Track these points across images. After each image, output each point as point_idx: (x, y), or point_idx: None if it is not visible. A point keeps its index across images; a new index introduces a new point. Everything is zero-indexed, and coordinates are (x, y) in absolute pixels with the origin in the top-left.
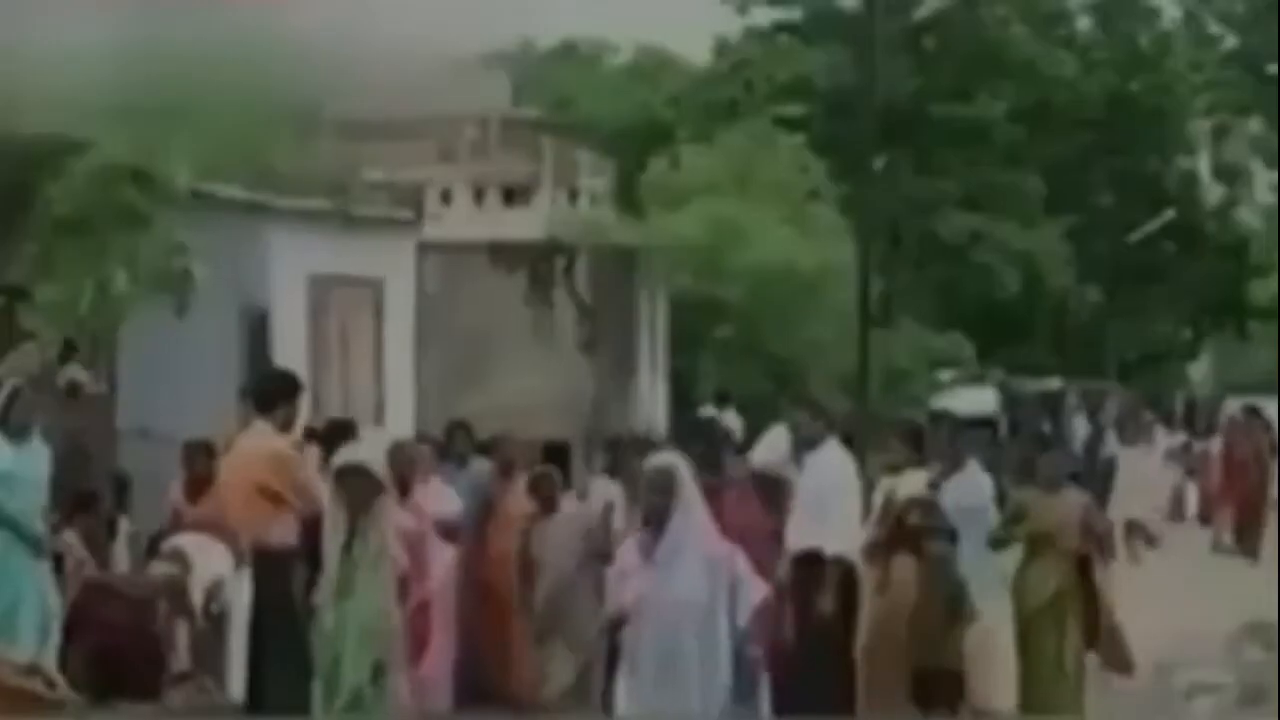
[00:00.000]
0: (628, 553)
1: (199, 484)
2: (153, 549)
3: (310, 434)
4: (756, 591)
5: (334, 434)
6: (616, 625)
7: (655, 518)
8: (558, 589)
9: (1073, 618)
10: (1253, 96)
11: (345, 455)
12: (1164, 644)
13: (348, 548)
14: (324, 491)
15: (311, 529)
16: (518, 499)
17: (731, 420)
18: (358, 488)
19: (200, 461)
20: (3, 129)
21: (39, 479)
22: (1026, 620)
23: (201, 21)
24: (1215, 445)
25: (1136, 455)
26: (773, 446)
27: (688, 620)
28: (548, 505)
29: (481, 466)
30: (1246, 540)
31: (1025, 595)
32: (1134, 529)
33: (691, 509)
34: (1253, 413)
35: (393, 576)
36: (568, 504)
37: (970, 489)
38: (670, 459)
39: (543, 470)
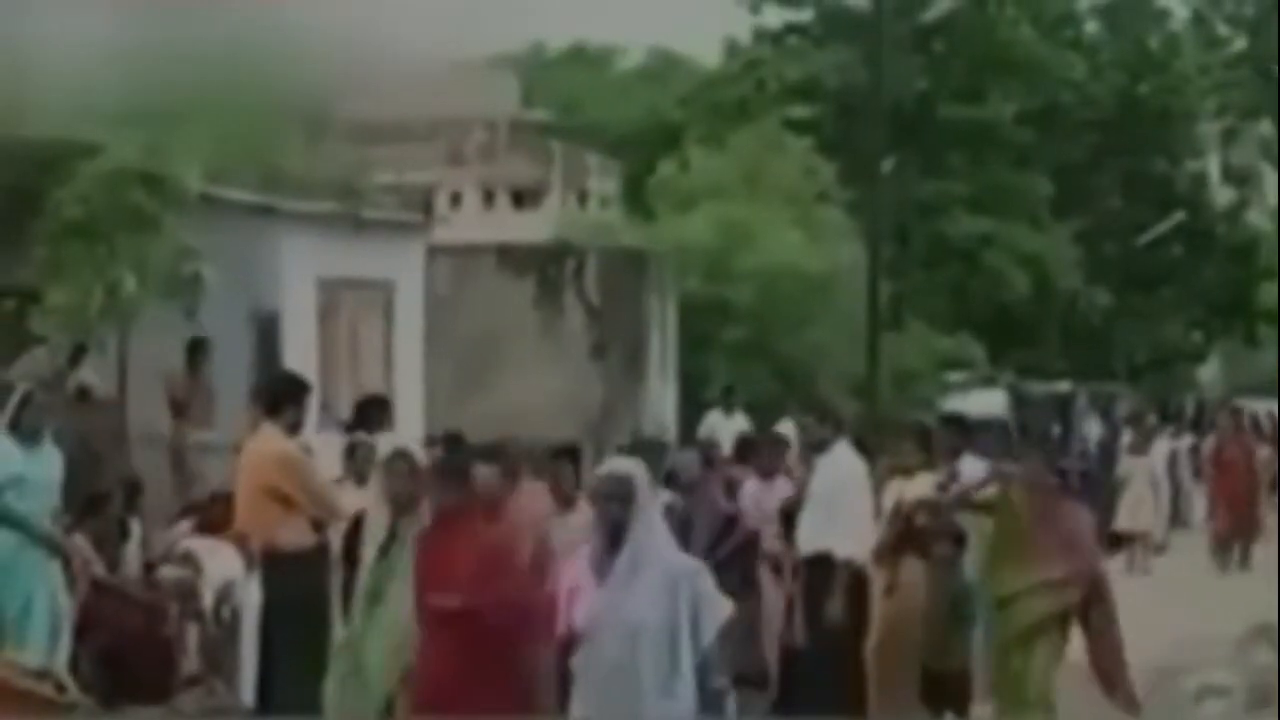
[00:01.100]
0: (580, 568)
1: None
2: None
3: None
4: (720, 611)
5: (367, 410)
6: (567, 647)
7: (611, 530)
8: None
9: (1045, 646)
10: (1262, 99)
11: (391, 444)
12: (1172, 647)
13: (384, 551)
14: (334, 494)
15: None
16: (529, 501)
17: (740, 423)
18: (404, 484)
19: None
20: (12, 133)
21: (50, 482)
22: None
23: (210, 24)
24: (1207, 447)
25: (1142, 460)
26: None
27: (645, 642)
28: (567, 504)
29: (481, 472)
30: (1239, 544)
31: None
32: (1138, 538)
33: (650, 520)
34: (1237, 413)
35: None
36: (580, 506)
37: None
38: (628, 465)
39: (564, 468)
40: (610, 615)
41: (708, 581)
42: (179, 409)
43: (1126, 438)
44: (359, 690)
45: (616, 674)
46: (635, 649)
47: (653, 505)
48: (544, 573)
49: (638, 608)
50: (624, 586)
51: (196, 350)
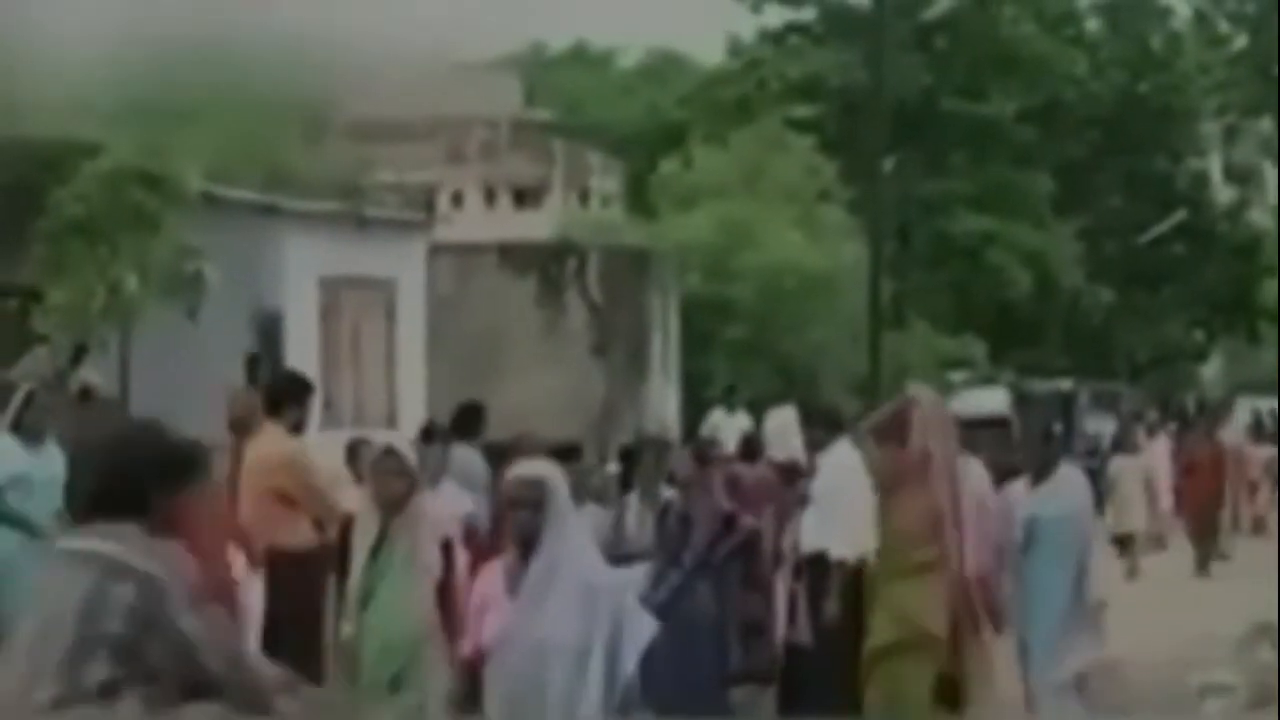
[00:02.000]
0: (490, 580)
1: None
2: None
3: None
4: (645, 630)
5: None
6: (472, 666)
7: (522, 539)
8: None
9: (917, 664)
10: (1264, 97)
11: (379, 443)
12: (1174, 645)
13: (374, 553)
14: (339, 493)
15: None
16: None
17: (742, 421)
18: (393, 483)
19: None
20: (13, 131)
21: (53, 482)
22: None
23: (212, 24)
24: (1160, 452)
25: (1132, 461)
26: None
27: (557, 663)
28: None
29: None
30: (1203, 547)
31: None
32: (1126, 540)
33: (566, 528)
34: (1210, 414)
35: (422, 585)
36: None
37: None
38: (540, 468)
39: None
40: (519, 631)
41: (632, 598)
42: (241, 427)
43: (1141, 432)
44: (353, 692)
45: (524, 695)
46: (544, 668)
47: (571, 513)
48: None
49: (549, 624)
50: (536, 601)
51: (256, 365)
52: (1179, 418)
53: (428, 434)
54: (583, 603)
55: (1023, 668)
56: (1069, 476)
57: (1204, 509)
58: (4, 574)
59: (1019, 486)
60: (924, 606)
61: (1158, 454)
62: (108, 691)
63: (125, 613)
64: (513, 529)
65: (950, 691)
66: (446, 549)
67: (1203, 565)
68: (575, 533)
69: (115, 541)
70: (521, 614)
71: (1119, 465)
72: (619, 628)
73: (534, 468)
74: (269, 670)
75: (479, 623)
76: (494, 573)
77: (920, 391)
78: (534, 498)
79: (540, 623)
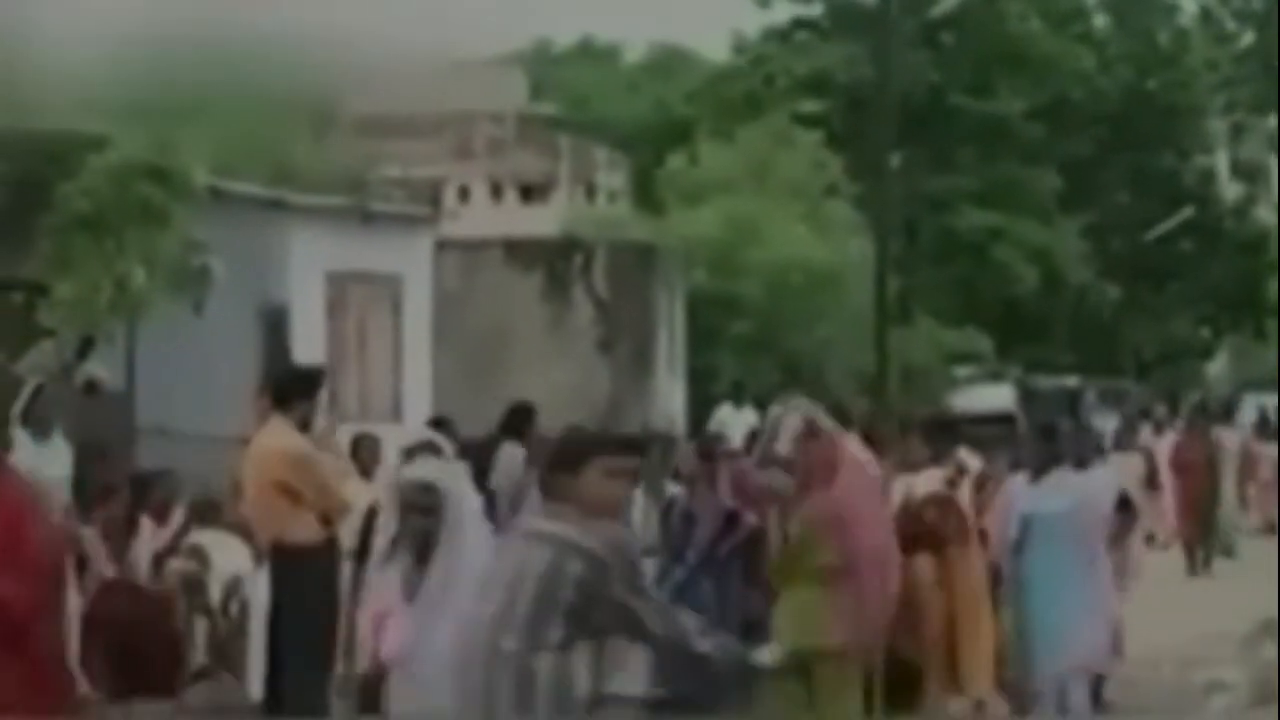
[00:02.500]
0: (387, 589)
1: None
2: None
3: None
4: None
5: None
6: (372, 683)
7: (417, 545)
8: None
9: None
10: (1270, 94)
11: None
12: (1182, 642)
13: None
14: (343, 489)
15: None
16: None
17: (750, 417)
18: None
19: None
20: (20, 126)
21: (61, 476)
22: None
23: (219, 19)
24: (1164, 450)
25: (1129, 458)
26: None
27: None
28: None
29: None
30: (1195, 547)
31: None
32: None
33: (462, 536)
34: (1199, 411)
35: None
36: None
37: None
38: (434, 470)
39: None
40: (419, 646)
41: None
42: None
43: (1147, 430)
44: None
45: (425, 707)
46: (444, 680)
47: (469, 517)
48: None
49: (448, 633)
50: (433, 609)
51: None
52: (1199, 412)
53: (435, 428)
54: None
55: (1024, 661)
56: (1067, 475)
57: (1194, 509)
58: None
59: (1019, 480)
60: (822, 617)
61: (1162, 451)
62: (563, 646)
63: (576, 584)
64: (405, 535)
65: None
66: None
67: (1194, 566)
68: (474, 538)
69: (563, 523)
70: (419, 622)
71: (1117, 462)
72: None
73: (427, 470)
74: (692, 623)
75: (377, 635)
76: (390, 582)
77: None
78: (426, 502)
79: (439, 631)
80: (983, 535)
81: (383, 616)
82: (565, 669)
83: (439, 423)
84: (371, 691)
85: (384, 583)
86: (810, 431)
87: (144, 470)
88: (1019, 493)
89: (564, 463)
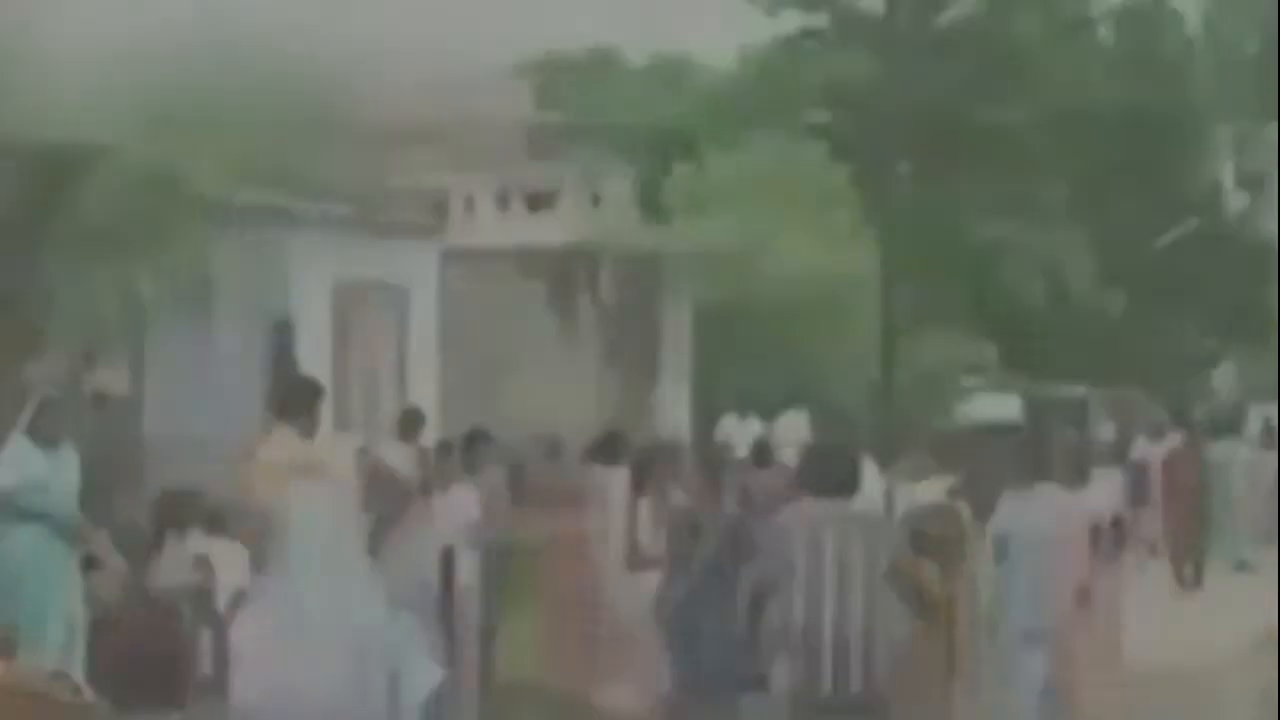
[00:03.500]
0: (250, 625)
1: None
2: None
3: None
4: (429, 677)
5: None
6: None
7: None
8: None
9: None
10: (1274, 103)
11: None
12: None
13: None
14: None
15: None
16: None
17: (755, 427)
18: (386, 498)
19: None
20: (29, 137)
21: (69, 486)
22: None
23: (227, 30)
24: (1156, 463)
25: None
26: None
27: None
28: None
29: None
30: (1180, 559)
31: None
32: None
33: (305, 575)
34: (1192, 429)
35: (410, 589)
36: None
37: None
38: None
39: None
40: (285, 687)
41: (415, 641)
42: None
43: (1144, 441)
44: None
45: None
46: None
47: (329, 546)
48: None
49: (315, 678)
50: (297, 651)
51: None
52: (1201, 428)
53: (446, 444)
54: (352, 652)
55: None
56: (1051, 492)
57: (1181, 523)
58: (26, 572)
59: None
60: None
61: (1155, 463)
62: None
63: None
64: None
65: None
66: (447, 557)
67: (1181, 578)
68: (348, 577)
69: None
70: (284, 664)
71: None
72: (396, 675)
73: None
74: None
75: (243, 678)
76: (257, 618)
77: None
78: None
79: (304, 675)
80: None
81: (241, 658)
82: None
83: (475, 435)
84: None
85: (248, 618)
86: None
87: (175, 488)
88: (999, 509)
89: None
